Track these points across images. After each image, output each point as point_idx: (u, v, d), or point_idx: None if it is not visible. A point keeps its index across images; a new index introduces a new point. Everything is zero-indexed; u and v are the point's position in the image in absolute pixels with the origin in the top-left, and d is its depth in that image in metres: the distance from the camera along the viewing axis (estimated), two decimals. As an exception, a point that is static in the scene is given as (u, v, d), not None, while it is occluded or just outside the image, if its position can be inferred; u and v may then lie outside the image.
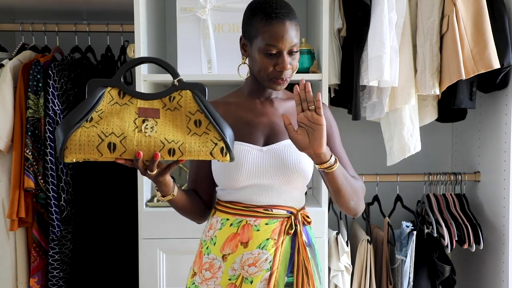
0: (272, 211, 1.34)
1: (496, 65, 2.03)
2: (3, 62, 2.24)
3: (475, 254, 2.39)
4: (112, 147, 1.11)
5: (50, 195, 2.18)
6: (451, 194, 2.39)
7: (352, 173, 1.41)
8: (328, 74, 2.11)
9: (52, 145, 2.19)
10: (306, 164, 1.35)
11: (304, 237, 1.36)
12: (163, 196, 1.30)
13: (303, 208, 1.42)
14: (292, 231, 1.33)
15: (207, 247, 1.38)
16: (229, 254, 1.33)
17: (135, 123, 1.14)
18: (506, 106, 2.18)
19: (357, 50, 2.15)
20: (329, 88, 2.23)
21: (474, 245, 2.24)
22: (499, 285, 2.24)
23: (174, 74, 1.21)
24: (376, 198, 2.40)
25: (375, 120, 2.30)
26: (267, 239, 1.31)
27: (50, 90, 2.18)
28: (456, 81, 2.08)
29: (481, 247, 2.25)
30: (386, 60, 2.02)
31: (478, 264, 2.42)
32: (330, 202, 2.22)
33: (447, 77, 2.10)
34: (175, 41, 2.17)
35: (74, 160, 1.12)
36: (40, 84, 2.20)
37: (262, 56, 1.30)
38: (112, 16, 2.51)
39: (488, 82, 2.17)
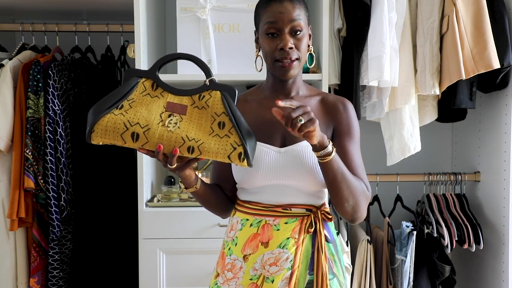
0: (291, 210, 1.33)
1: (496, 65, 2.03)
2: (3, 62, 2.25)
3: (475, 254, 2.39)
4: (135, 137, 1.15)
5: (50, 195, 2.18)
6: (451, 194, 2.39)
7: (361, 176, 1.36)
8: (328, 74, 2.11)
9: (52, 145, 2.19)
10: None
11: (326, 233, 1.35)
12: (186, 188, 1.33)
13: (323, 205, 1.39)
14: (312, 229, 1.32)
15: (229, 248, 1.37)
16: (250, 254, 1.32)
17: (160, 117, 1.17)
18: (506, 106, 2.18)
19: (357, 50, 2.15)
20: (329, 88, 2.23)
21: (474, 245, 2.24)
22: (499, 285, 2.24)
23: (207, 73, 1.23)
24: (376, 198, 2.40)
25: (375, 120, 2.31)
26: (288, 238, 1.31)
27: (50, 90, 2.18)
28: (456, 81, 2.08)
29: (481, 247, 2.25)
30: (386, 60, 2.02)
31: (478, 264, 2.42)
32: (330, 202, 2.22)
33: (447, 77, 2.10)
34: (175, 41, 2.17)
35: (101, 143, 1.17)
36: (40, 84, 2.20)
37: (265, 39, 1.30)
38: (112, 16, 2.51)
39: (488, 82, 2.17)
